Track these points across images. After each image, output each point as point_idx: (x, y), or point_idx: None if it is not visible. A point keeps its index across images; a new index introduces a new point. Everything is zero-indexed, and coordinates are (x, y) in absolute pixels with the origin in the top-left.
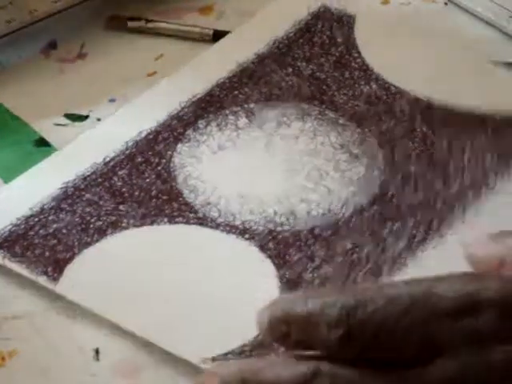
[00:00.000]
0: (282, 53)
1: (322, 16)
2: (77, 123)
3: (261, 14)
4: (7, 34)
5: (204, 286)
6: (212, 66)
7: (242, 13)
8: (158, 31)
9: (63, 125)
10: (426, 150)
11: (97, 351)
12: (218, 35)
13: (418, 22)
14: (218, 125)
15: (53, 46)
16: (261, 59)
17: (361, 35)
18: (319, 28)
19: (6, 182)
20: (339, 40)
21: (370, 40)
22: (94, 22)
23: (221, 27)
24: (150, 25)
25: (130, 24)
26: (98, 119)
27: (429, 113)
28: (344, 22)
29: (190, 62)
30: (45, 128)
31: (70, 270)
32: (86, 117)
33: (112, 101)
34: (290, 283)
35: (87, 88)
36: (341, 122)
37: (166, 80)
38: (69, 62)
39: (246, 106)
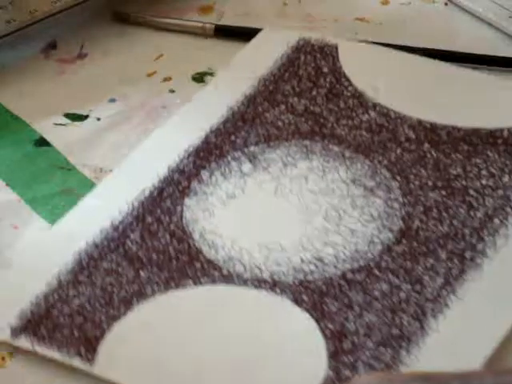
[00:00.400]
0: (270, 91)
1: (302, 49)
2: (77, 123)
3: (240, 54)
4: (7, 35)
5: (244, 348)
6: (202, 113)
7: (242, 13)
8: (160, 25)
9: (63, 125)
10: (440, 176)
11: None
12: (219, 30)
13: (418, 22)
14: (222, 173)
15: (53, 46)
16: (250, 100)
17: (347, 63)
18: (302, 61)
19: (6, 182)
20: (325, 70)
21: (358, 66)
22: (94, 22)
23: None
24: (151, 18)
25: (133, 15)
26: (98, 119)
27: (435, 136)
28: (327, 52)
29: (179, 111)
30: (45, 128)
31: (104, 349)
32: (86, 117)
33: (112, 101)
34: (333, 336)
35: (87, 88)
36: (347, 155)
37: (157, 132)
38: (69, 62)
39: (246, 149)
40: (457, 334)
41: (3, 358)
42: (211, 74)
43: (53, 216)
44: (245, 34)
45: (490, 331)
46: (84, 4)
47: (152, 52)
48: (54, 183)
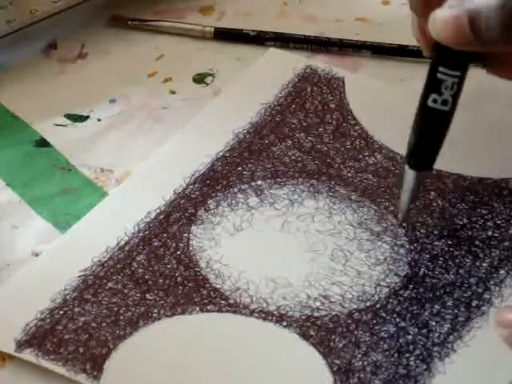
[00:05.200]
0: (277, 122)
1: (309, 78)
2: (77, 123)
3: (246, 75)
4: (8, 34)
5: (248, 378)
6: (207, 137)
7: (243, 13)
8: (159, 29)
9: (64, 125)
10: (446, 225)
11: None
12: (218, 33)
13: None
14: (228, 205)
15: (53, 46)
16: (257, 129)
17: (353, 100)
18: (309, 93)
19: (6, 182)
20: (332, 106)
21: (364, 105)
22: (95, 21)
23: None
24: (150, 23)
25: (131, 23)
26: (99, 119)
27: (440, 183)
28: (334, 86)
29: (184, 130)
30: (45, 128)
31: (110, 367)
32: (87, 117)
33: (112, 101)
34: (341, 372)
35: (88, 88)
36: (353, 198)
37: (161, 152)
38: (69, 62)
39: (253, 183)
40: (463, 378)
41: (3, 359)
42: (212, 75)
43: (53, 216)
44: (244, 37)
45: (497, 377)
46: (84, 4)
47: (153, 52)
48: (55, 183)
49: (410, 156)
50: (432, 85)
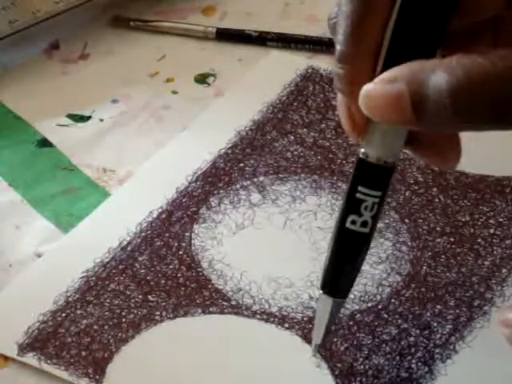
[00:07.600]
0: (279, 119)
1: (311, 78)
2: (79, 124)
3: (248, 77)
4: (10, 35)
5: (250, 381)
6: (209, 135)
7: (245, 13)
8: (161, 30)
9: (66, 125)
10: (448, 222)
11: None
12: (220, 33)
13: None
14: (231, 202)
15: (55, 46)
16: (259, 126)
17: None
18: (311, 90)
19: (9, 182)
20: (334, 103)
21: None
22: (97, 22)
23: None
24: (152, 23)
25: (133, 24)
26: (101, 120)
27: (443, 180)
28: None
29: (186, 130)
30: (47, 128)
31: (112, 371)
32: (89, 117)
33: (115, 101)
34: (342, 376)
35: (90, 88)
36: None
37: (163, 151)
38: (71, 63)
39: (255, 179)
40: (465, 379)
41: (5, 359)
42: (213, 76)
43: (55, 216)
44: (246, 38)
45: (499, 377)
46: (86, 4)
47: (154, 53)
48: (57, 184)
49: (324, 282)
50: (350, 205)
